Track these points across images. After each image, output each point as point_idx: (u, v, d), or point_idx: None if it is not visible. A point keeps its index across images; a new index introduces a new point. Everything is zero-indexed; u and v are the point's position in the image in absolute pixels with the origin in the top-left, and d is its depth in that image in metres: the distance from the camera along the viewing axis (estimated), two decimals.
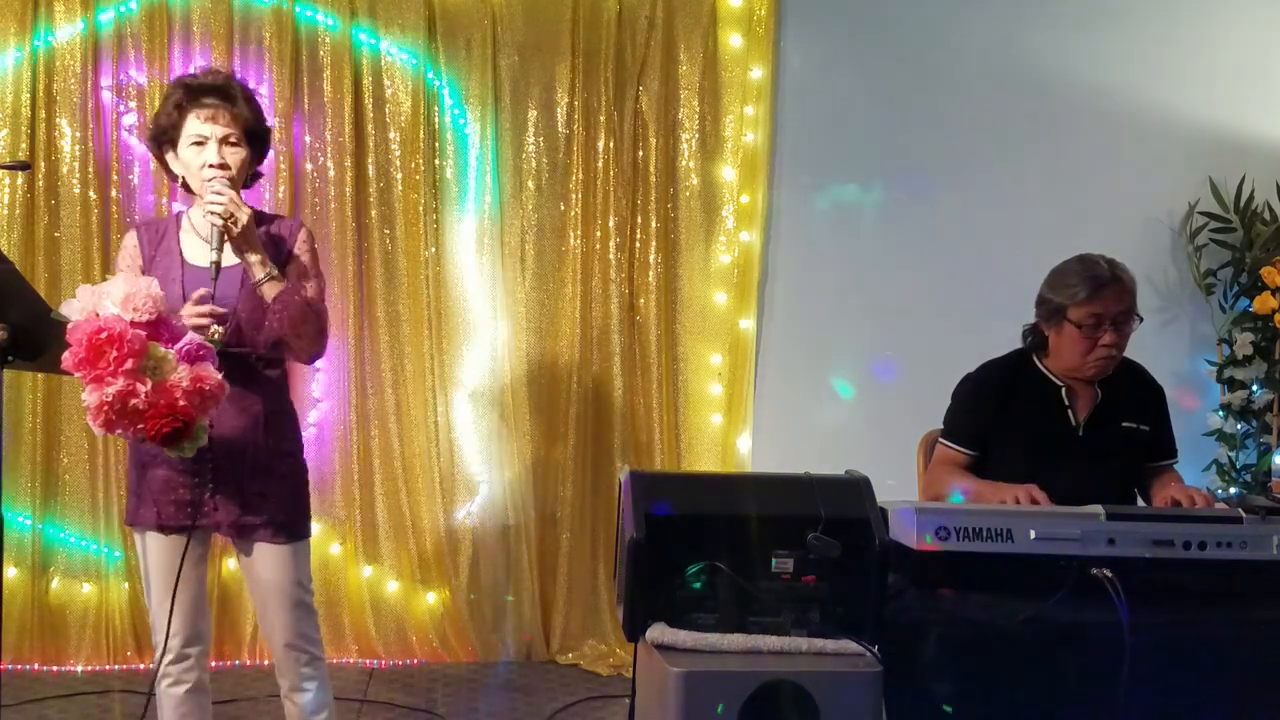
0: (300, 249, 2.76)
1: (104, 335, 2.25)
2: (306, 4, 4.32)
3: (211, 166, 2.63)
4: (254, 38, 4.28)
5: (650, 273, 4.52)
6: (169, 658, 2.73)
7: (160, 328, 2.34)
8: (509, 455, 4.49)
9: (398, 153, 4.39)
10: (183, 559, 2.66)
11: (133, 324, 2.28)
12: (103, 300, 2.31)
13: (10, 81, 4.19)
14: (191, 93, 2.68)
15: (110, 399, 2.25)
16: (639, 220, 4.52)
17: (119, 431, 2.30)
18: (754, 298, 4.57)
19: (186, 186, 2.76)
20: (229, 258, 2.62)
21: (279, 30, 4.27)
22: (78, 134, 4.23)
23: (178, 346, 2.35)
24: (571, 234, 4.50)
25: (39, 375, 4.13)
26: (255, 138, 2.75)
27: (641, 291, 4.53)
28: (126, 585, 4.26)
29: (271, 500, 2.71)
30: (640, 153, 4.50)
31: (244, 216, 2.58)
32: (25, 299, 2.37)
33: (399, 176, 4.40)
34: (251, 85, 4.21)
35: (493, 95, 4.43)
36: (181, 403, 2.30)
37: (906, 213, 4.64)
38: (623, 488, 2.45)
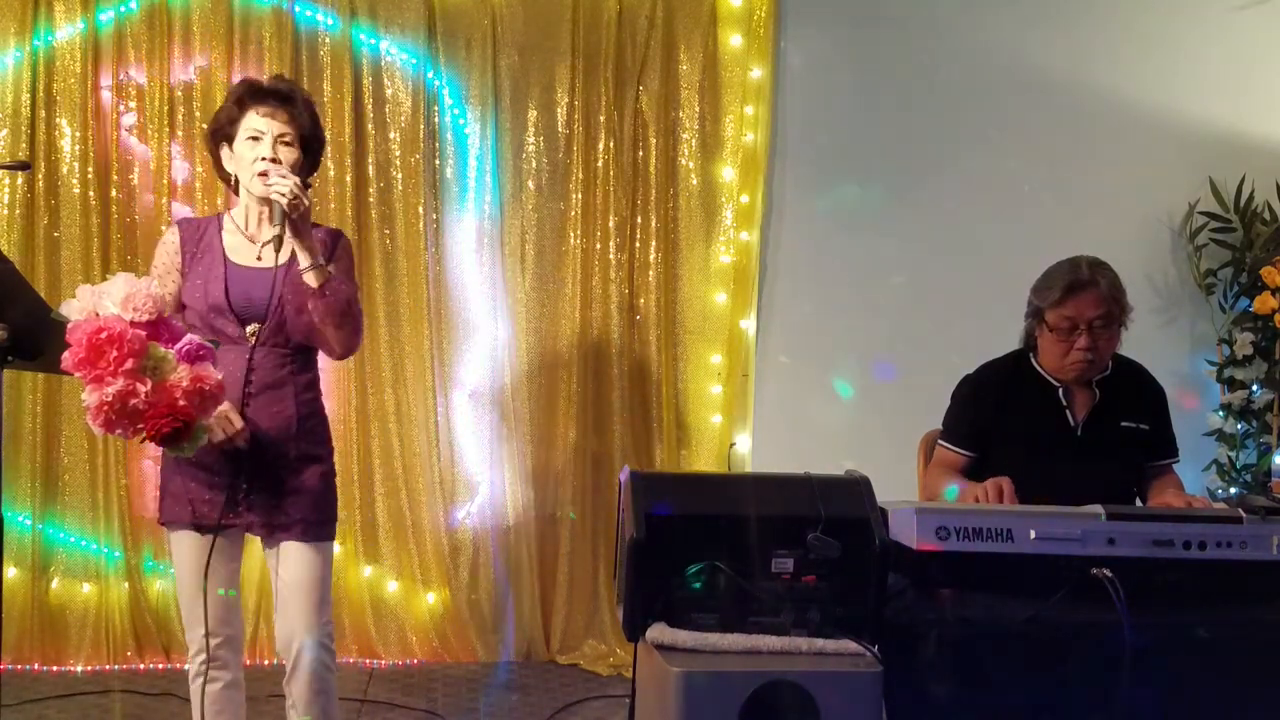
0: (340, 254, 2.80)
1: (104, 335, 2.25)
2: (306, 4, 4.32)
3: (264, 160, 2.68)
4: (254, 38, 4.28)
5: (650, 273, 4.52)
6: (201, 656, 2.73)
7: (160, 327, 2.34)
8: (509, 455, 4.49)
9: (398, 153, 4.40)
10: (209, 557, 2.67)
11: (133, 324, 2.28)
12: (103, 300, 2.30)
13: (10, 81, 4.19)
14: (254, 91, 2.76)
15: (110, 399, 2.25)
16: (639, 220, 4.52)
17: (118, 431, 2.30)
18: (754, 297, 4.58)
19: (235, 187, 2.79)
20: (267, 260, 2.65)
21: (279, 30, 4.28)
22: (78, 134, 4.23)
23: (178, 346, 2.35)
24: (571, 234, 4.50)
25: (39, 375, 4.13)
26: (309, 146, 2.80)
27: (641, 291, 4.54)
28: (126, 585, 4.26)
29: (303, 501, 2.73)
30: (640, 153, 4.50)
31: (307, 202, 2.62)
32: (25, 299, 2.36)
33: (399, 176, 4.40)
34: None
35: (493, 95, 4.43)
36: (181, 403, 2.30)
37: (906, 212, 4.64)
38: (623, 488, 2.44)
